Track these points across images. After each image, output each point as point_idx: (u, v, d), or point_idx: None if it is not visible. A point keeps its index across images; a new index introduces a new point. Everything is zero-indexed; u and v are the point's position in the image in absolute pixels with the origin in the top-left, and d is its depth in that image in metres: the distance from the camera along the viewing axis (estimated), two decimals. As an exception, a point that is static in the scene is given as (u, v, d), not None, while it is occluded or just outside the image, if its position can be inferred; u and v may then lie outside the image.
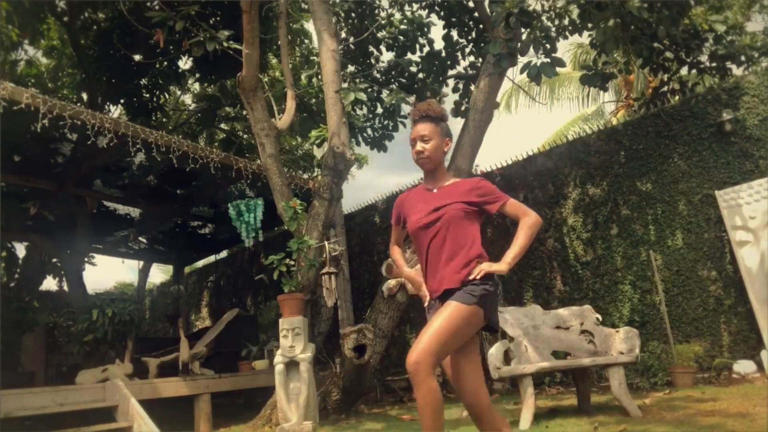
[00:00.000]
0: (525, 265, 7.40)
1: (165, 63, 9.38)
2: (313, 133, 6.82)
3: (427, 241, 2.25)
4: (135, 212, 9.03)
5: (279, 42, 7.24)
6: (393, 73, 8.48)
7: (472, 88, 7.71)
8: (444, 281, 2.18)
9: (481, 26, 8.23)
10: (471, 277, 2.13)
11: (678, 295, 6.12)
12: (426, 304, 2.33)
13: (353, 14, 8.46)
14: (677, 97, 7.15)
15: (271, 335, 8.28)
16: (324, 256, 5.45)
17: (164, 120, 11.51)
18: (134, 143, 5.55)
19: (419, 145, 2.31)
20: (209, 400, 5.92)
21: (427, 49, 8.52)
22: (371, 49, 8.57)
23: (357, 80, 7.63)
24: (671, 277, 6.19)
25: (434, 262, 2.23)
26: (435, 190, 2.33)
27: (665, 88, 7.89)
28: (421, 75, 8.55)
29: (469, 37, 8.54)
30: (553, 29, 7.18)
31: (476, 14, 8.11)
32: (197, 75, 9.96)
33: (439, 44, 8.60)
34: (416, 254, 2.37)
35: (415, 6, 8.65)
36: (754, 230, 5.60)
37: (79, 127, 5.20)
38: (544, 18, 6.97)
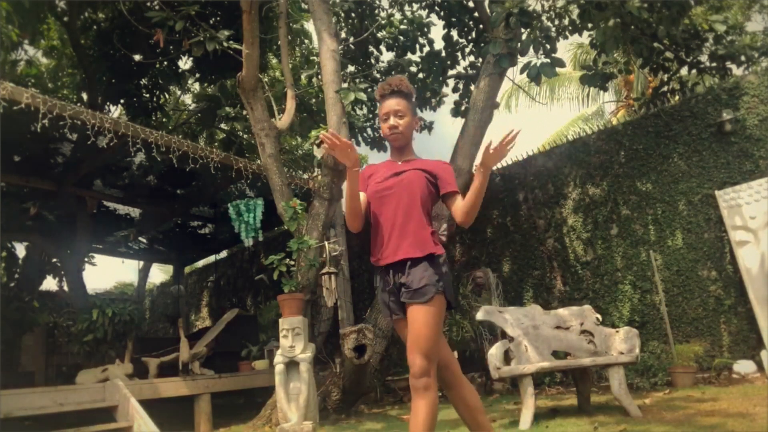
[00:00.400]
0: (525, 265, 7.41)
1: (165, 63, 9.38)
2: (313, 133, 6.81)
3: (383, 205, 2.22)
4: (135, 212, 9.04)
5: (279, 42, 7.24)
6: (393, 73, 8.48)
7: (472, 88, 7.71)
8: (402, 249, 2.13)
9: (481, 26, 8.24)
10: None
11: (678, 295, 6.12)
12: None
13: (353, 14, 8.47)
14: (677, 97, 7.15)
15: (271, 335, 8.28)
16: (324, 256, 5.44)
17: (164, 120, 11.51)
18: (134, 143, 5.55)
19: (393, 120, 2.25)
20: (209, 400, 5.93)
21: (427, 49, 8.53)
22: (371, 49, 8.58)
23: (357, 80, 7.63)
24: (671, 277, 6.19)
25: (388, 226, 2.19)
26: (400, 163, 2.30)
27: (665, 88, 7.90)
28: (421, 75, 8.56)
29: (469, 37, 8.55)
30: (553, 29, 7.18)
31: (476, 14, 8.12)
32: (197, 75, 9.96)
33: (439, 44, 8.61)
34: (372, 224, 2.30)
35: (415, 6, 8.66)
36: (754, 230, 5.60)
37: (79, 127, 5.20)
38: (544, 18, 6.97)
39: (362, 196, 2.32)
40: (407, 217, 2.16)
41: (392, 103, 2.26)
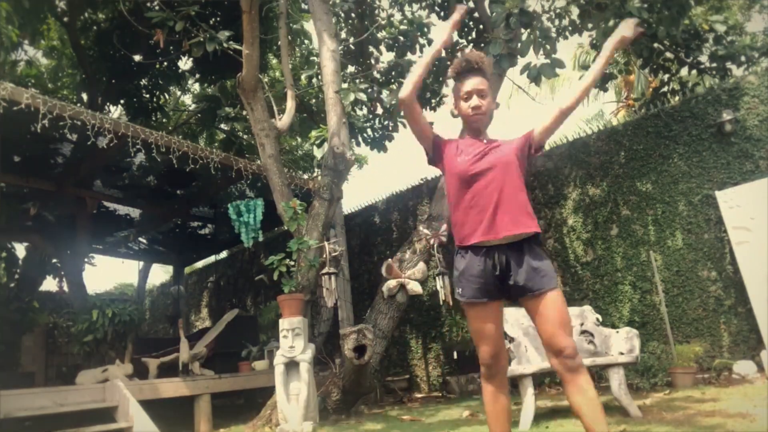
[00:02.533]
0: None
1: (165, 63, 9.38)
2: (313, 133, 6.82)
3: (479, 185, 2.10)
4: (135, 213, 9.04)
5: (279, 42, 7.24)
6: (393, 73, 8.48)
7: (472, 88, 7.69)
8: (511, 225, 2.06)
9: (481, 26, 8.24)
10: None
11: (678, 295, 6.12)
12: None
13: (353, 14, 8.47)
14: (677, 98, 7.15)
15: (271, 335, 8.28)
16: (324, 256, 5.45)
17: (164, 120, 11.51)
18: (134, 143, 5.55)
19: (476, 100, 2.15)
20: (209, 401, 5.92)
21: (427, 49, 8.53)
22: (371, 49, 8.57)
23: (357, 80, 7.63)
24: (671, 277, 6.19)
25: (488, 207, 2.07)
26: (485, 141, 2.21)
27: (665, 89, 7.89)
28: (421, 75, 8.55)
29: (469, 37, 8.54)
30: (553, 29, 7.17)
31: (476, 14, 8.12)
32: (197, 75, 9.96)
33: (439, 44, 8.59)
34: (456, 203, 2.16)
35: (415, 6, 8.66)
36: (754, 230, 5.60)
37: (79, 127, 5.20)
38: (544, 18, 6.96)
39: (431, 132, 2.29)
40: (512, 196, 2.08)
41: (475, 82, 2.16)
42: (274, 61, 10.89)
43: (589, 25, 6.49)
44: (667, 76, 7.89)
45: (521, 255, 2.05)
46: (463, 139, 2.29)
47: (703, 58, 7.26)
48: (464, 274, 2.12)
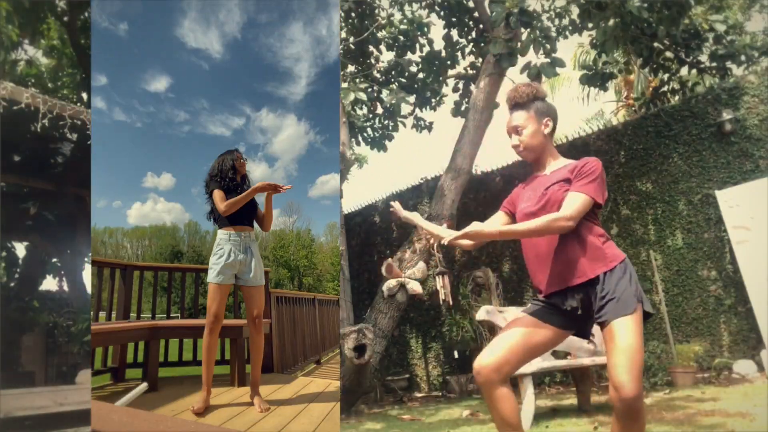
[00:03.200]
0: (525, 265, 7.40)
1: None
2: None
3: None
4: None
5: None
6: (393, 73, 8.49)
7: (472, 88, 7.71)
8: (561, 278, 2.00)
9: (481, 26, 8.24)
10: None
11: (678, 295, 6.12)
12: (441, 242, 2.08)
13: (353, 14, 8.46)
14: (677, 97, 7.15)
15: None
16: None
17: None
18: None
19: (514, 139, 2.12)
20: (209, 400, 5.91)
21: (427, 49, 8.53)
22: (371, 49, 8.58)
23: (357, 80, 7.63)
24: (671, 277, 6.19)
25: (544, 256, 2.05)
26: (548, 173, 2.12)
27: (665, 88, 7.90)
28: (421, 75, 8.56)
29: (469, 37, 8.54)
30: (553, 29, 7.18)
31: (476, 14, 8.12)
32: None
33: (439, 44, 8.60)
34: (524, 250, 2.19)
35: (415, 6, 8.66)
36: (754, 230, 5.60)
37: (79, 126, 5.20)
38: (544, 18, 6.97)
39: (504, 217, 2.23)
40: (562, 244, 2.01)
41: (512, 119, 2.13)
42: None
43: (590, 25, 6.49)
44: (667, 75, 7.89)
45: (594, 288, 1.99)
46: (531, 176, 2.22)
47: (703, 58, 7.26)
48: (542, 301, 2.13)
